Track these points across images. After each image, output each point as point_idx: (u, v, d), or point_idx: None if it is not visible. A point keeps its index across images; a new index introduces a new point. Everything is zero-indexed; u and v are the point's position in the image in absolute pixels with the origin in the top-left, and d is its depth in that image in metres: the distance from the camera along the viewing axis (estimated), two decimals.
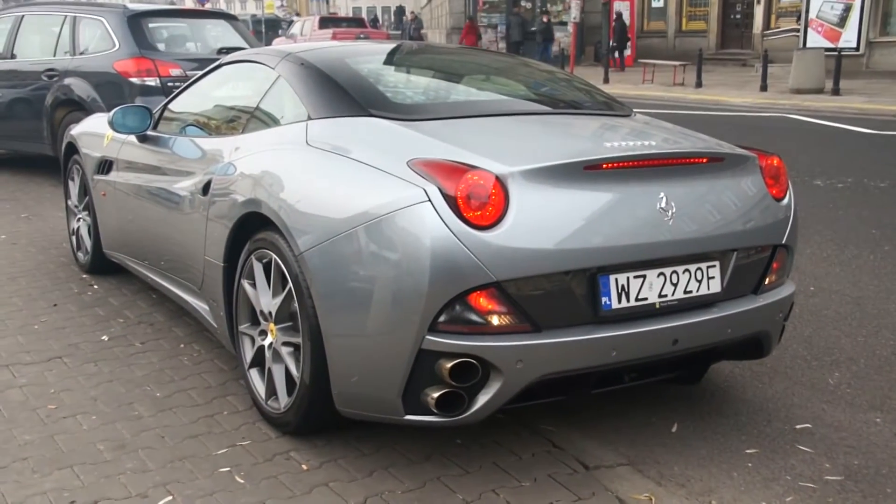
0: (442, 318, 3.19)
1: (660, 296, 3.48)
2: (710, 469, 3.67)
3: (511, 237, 3.17)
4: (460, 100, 4.69)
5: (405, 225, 3.21)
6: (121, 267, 5.98)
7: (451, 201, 3.17)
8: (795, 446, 3.85)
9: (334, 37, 27.60)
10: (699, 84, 22.62)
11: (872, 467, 3.67)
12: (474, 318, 3.22)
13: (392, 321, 3.27)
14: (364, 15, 56.21)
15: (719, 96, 20.33)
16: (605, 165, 3.41)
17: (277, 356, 3.79)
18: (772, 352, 4.02)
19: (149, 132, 5.34)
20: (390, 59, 5.15)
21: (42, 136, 10.09)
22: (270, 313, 3.81)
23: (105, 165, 5.82)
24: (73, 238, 6.62)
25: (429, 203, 3.18)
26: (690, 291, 3.54)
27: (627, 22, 31.36)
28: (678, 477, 3.61)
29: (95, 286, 6.07)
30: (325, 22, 29.96)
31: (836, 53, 19.87)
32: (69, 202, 6.71)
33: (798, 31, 23.50)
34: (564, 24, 34.93)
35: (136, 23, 9.62)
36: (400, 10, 42.68)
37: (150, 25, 9.79)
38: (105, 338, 5.03)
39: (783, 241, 3.88)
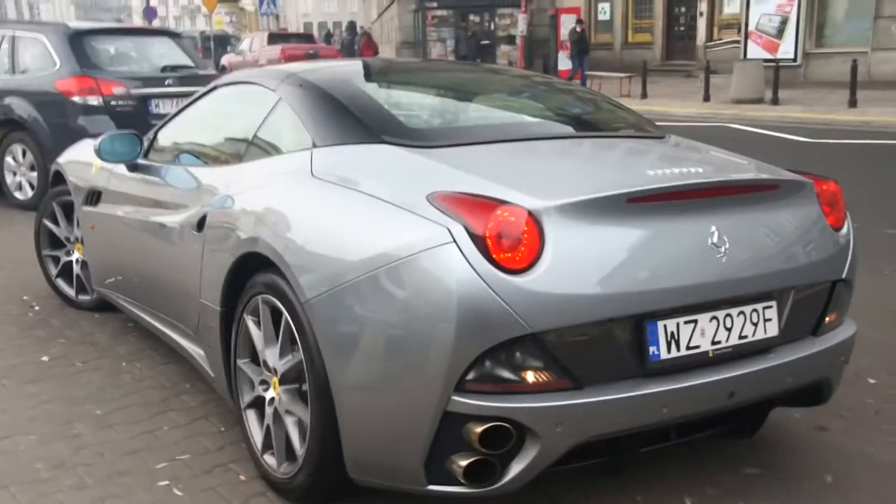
0: (470, 376, 2.79)
1: (713, 343, 3.09)
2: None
3: (548, 282, 2.78)
4: (481, 123, 4.27)
5: (427, 269, 2.81)
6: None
7: (480, 242, 2.77)
8: None
9: (283, 53, 27.56)
10: (644, 95, 22.93)
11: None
12: (507, 375, 2.83)
13: (413, 380, 2.88)
14: (315, 30, 56.10)
15: (664, 107, 20.62)
16: (651, 197, 3.02)
17: (279, 419, 3.41)
18: (830, 398, 3.64)
19: (139, 160, 4.94)
20: (401, 79, 4.87)
21: None
22: (275, 369, 3.42)
23: (93, 196, 5.38)
24: (59, 279, 6.13)
25: (454, 244, 2.78)
26: (746, 336, 3.16)
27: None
28: None
29: (37, 307, 6.04)
30: (274, 38, 29.84)
31: (774, 64, 20.25)
32: (56, 235, 6.14)
33: (739, 42, 23.85)
34: (513, 37, 35.20)
35: (77, 41, 9.61)
36: (352, 26, 42.71)
37: (92, 44, 9.80)
38: (45, 358, 5.01)
39: (843, 276, 3.47)
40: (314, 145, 3.65)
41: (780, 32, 20.64)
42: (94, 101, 9.33)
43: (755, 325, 3.17)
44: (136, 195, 4.87)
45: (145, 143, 4.97)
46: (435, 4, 39.19)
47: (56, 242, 6.13)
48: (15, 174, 9.83)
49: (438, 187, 3.01)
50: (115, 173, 5.12)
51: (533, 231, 2.79)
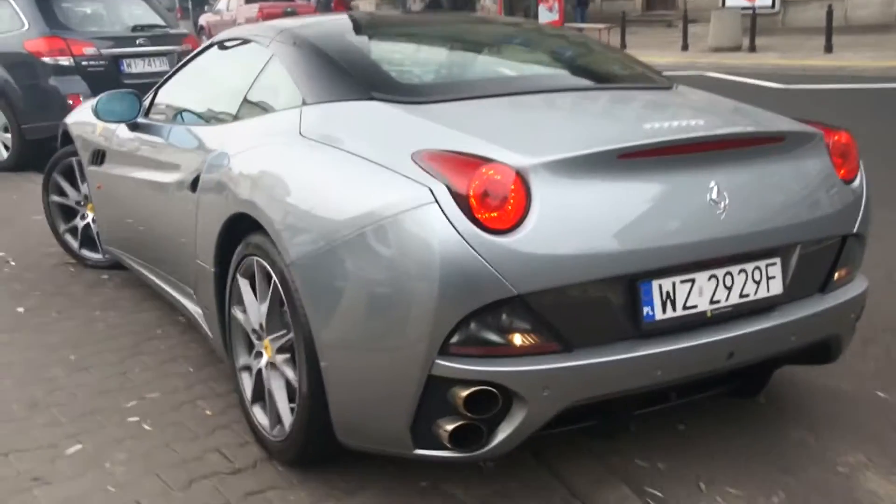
0: (455, 340, 2.71)
1: (711, 302, 2.98)
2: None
3: (535, 241, 2.69)
4: (475, 77, 4.16)
5: (409, 231, 2.73)
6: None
7: (463, 201, 2.67)
8: None
9: (260, 12, 27.38)
10: (623, 46, 22.93)
11: None
12: (493, 338, 2.75)
13: (396, 344, 2.81)
14: None
15: (641, 57, 20.46)
16: (644, 152, 2.90)
17: (276, 371, 3.34)
18: (840, 356, 3.53)
19: (139, 119, 4.86)
20: (395, 33, 4.72)
21: None
22: (262, 325, 3.38)
23: (99, 156, 5.36)
24: (71, 237, 6.08)
25: (435, 204, 2.69)
26: (747, 295, 3.05)
27: None
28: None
29: (13, 262, 6.19)
30: None
31: (752, 12, 20.34)
32: (61, 199, 6.08)
33: None
34: None
35: (45, 1, 9.57)
36: None
37: (61, 4, 9.76)
38: (21, 309, 5.17)
39: (854, 230, 3.34)
40: (304, 103, 3.57)
41: None
42: (64, 61, 9.36)
43: (757, 283, 3.06)
44: (136, 155, 4.86)
45: (145, 102, 4.93)
46: None
47: (69, 212, 6.10)
48: None
49: (424, 145, 2.92)
50: (117, 133, 5.10)
51: (519, 189, 2.69)
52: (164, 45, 10.10)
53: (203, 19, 31.63)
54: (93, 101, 4.92)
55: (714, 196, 2.94)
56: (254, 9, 27.78)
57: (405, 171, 2.83)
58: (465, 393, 2.69)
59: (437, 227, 2.67)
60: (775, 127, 3.41)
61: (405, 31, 4.80)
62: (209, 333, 4.01)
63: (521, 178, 2.71)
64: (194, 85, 4.88)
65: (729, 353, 3.01)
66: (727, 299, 3.02)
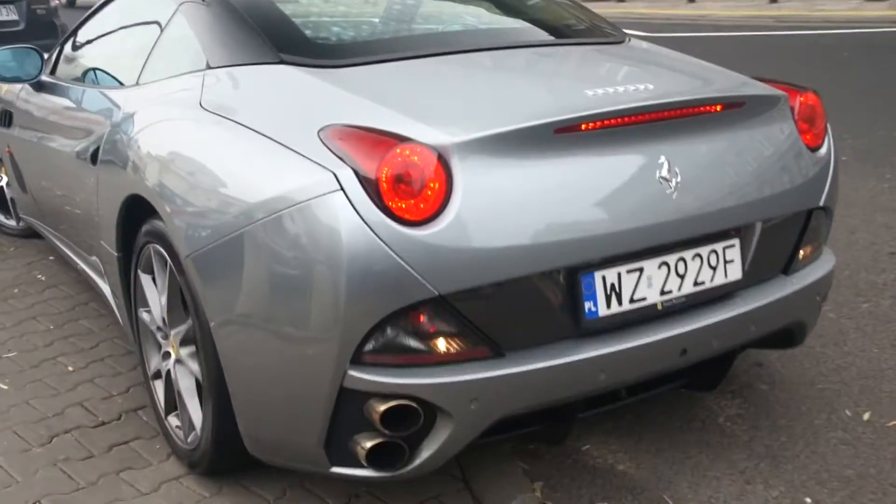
0: (369, 347, 2.32)
1: (662, 293, 2.60)
2: None
3: (457, 235, 2.28)
4: (403, 34, 3.58)
5: (311, 223, 2.31)
6: None
7: (373, 188, 2.26)
8: None
9: None
10: None
11: None
12: (413, 344, 2.35)
13: (304, 353, 2.40)
14: None
15: None
16: (583, 126, 2.47)
17: (183, 368, 2.98)
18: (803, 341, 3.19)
19: (43, 78, 4.44)
20: None
21: None
22: (164, 320, 3.04)
23: (5, 116, 5.00)
24: None
25: (341, 192, 2.27)
26: (702, 283, 2.66)
27: None
28: None
29: None
30: None
31: None
32: None
33: None
34: None
35: None
36: None
37: None
38: None
39: (821, 203, 2.96)
40: (208, 66, 3.10)
41: None
42: None
43: (714, 268, 2.68)
44: (40, 117, 4.49)
45: (52, 58, 4.59)
46: None
47: None
48: None
49: (333, 119, 2.48)
50: (21, 93, 4.74)
51: (438, 173, 2.28)
52: None
53: None
54: None
55: (664, 173, 2.54)
56: None
57: (309, 153, 2.39)
58: (382, 408, 2.31)
59: (342, 218, 2.25)
60: (734, 90, 2.97)
61: None
62: (120, 320, 3.70)
63: (440, 158, 2.29)
64: (99, 41, 4.38)
65: (682, 350, 2.64)
66: (680, 289, 2.63)
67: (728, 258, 2.71)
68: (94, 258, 3.86)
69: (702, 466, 3.04)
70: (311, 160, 2.37)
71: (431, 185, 2.27)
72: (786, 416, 3.34)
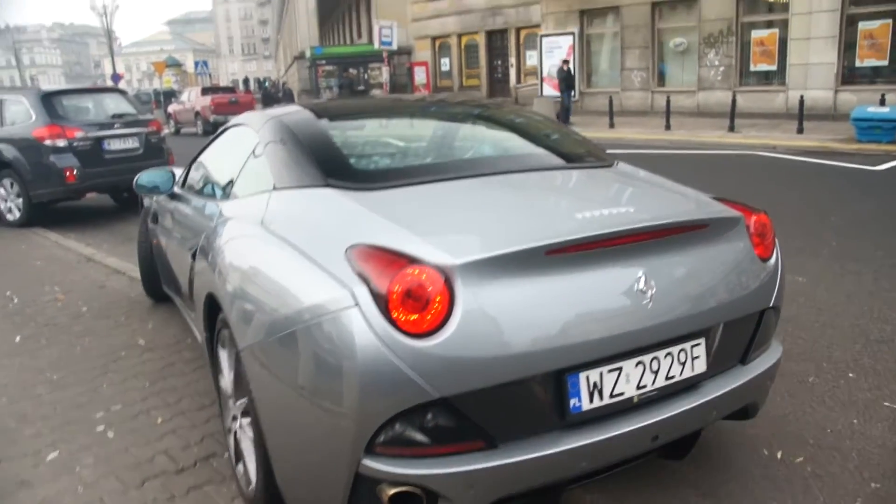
0: (381, 440, 2.04)
1: (638, 387, 2.25)
2: None
3: (457, 345, 1.99)
4: (428, 161, 3.17)
5: (332, 334, 2.04)
6: (29, 283, 5.57)
7: (383, 304, 1.99)
8: None
9: (212, 101, 26.42)
10: None
11: None
12: (418, 437, 2.06)
13: (326, 442, 2.12)
14: (240, 84, 54.69)
15: None
16: (571, 248, 2.16)
17: (244, 433, 2.65)
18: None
19: (176, 190, 4.25)
20: (375, 116, 3.76)
21: None
22: (232, 391, 2.75)
23: (154, 216, 4.80)
24: None
25: (356, 308, 2.01)
26: (672, 377, 2.31)
27: (422, 80, 31.54)
28: None
29: (16, 300, 5.65)
30: (206, 91, 28.45)
31: (560, 99, 20.69)
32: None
33: (537, 84, 24.18)
34: (381, 84, 35.03)
35: (48, 100, 9.16)
36: (265, 80, 42.60)
37: (60, 101, 9.28)
38: (18, 338, 4.71)
39: (771, 304, 2.63)
40: (274, 188, 2.81)
41: None
42: (61, 143, 8.89)
43: (683, 364, 2.33)
44: (171, 218, 4.24)
45: (182, 176, 4.34)
46: (324, 62, 38.75)
47: None
48: (6, 201, 9.27)
49: (360, 237, 2.19)
50: (163, 200, 4.52)
51: (443, 291, 1.99)
52: (135, 127, 9.61)
53: (171, 108, 30.43)
54: (138, 176, 4.34)
55: (641, 285, 2.22)
56: (207, 99, 26.80)
57: (335, 270, 2.11)
58: (391, 492, 2.04)
59: (356, 331, 1.98)
60: (701, 214, 2.60)
61: (383, 115, 3.81)
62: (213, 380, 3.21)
63: (445, 278, 2.01)
64: (210, 163, 4.10)
65: (654, 436, 2.28)
66: (653, 383, 2.28)
67: (695, 355, 2.36)
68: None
69: (657, 501, 2.71)
70: (336, 277, 2.09)
71: (436, 301, 1.99)
72: (721, 457, 3.00)
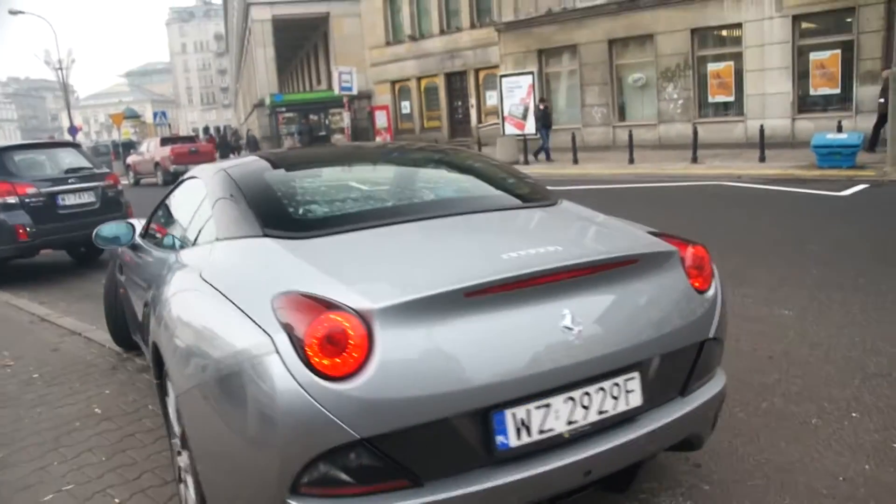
0: (304, 480, 2.04)
1: (568, 423, 2.22)
2: None
3: (376, 387, 2.00)
4: (365, 207, 3.10)
5: (254, 380, 2.06)
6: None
7: (301, 350, 2.02)
8: None
9: (172, 151, 25.98)
10: None
11: None
12: (342, 477, 2.05)
13: (251, 480, 2.12)
14: (201, 133, 54.37)
15: None
16: (491, 289, 2.16)
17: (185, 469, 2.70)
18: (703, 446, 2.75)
19: (136, 241, 4.27)
20: (328, 164, 3.78)
21: None
22: (177, 431, 2.73)
23: (120, 268, 4.79)
24: None
25: (276, 354, 2.03)
26: (606, 411, 2.27)
27: (383, 124, 31.46)
28: None
29: (11, 363, 5.29)
30: (165, 140, 27.90)
31: (523, 138, 20.69)
32: None
33: (499, 123, 24.25)
34: (342, 129, 34.97)
35: None
36: (226, 129, 42.40)
37: (11, 157, 8.94)
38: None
39: (710, 335, 2.58)
40: (216, 239, 2.85)
41: (524, 116, 20.96)
42: (11, 199, 8.53)
43: (616, 398, 2.29)
44: (133, 269, 4.22)
45: (141, 227, 4.37)
46: (284, 109, 38.63)
47: None
48: None
49: (288, 286, 2.20)
50: (125, 252, 4.53)
51: (361, 335, 2.02)
52: (91, 182, 9.26)
53: (130, 159, 29.88)
54: (98, 229, 4.32)
55: (568, 323, 2.21)
56: (167, 149, 26.33)
57: (259, 317, 2.14)
58: None
59: (276, 376, 2.01)
60: (631, 249, 2.57)
61: (329, 163, 3.80)
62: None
63: (364, 322, 2.03)
64: (165, 215, 4.09)
65: (586, 471, 2.24)
66: (585, 418, 2.24)
67: (629, 388, 2.32)
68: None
69: None
70: (259, 324, 2.12)
71: (355, 345, 2.01)
72: None
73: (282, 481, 2.04)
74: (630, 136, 17.71)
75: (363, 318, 2.04)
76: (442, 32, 30.83)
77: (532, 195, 3.25)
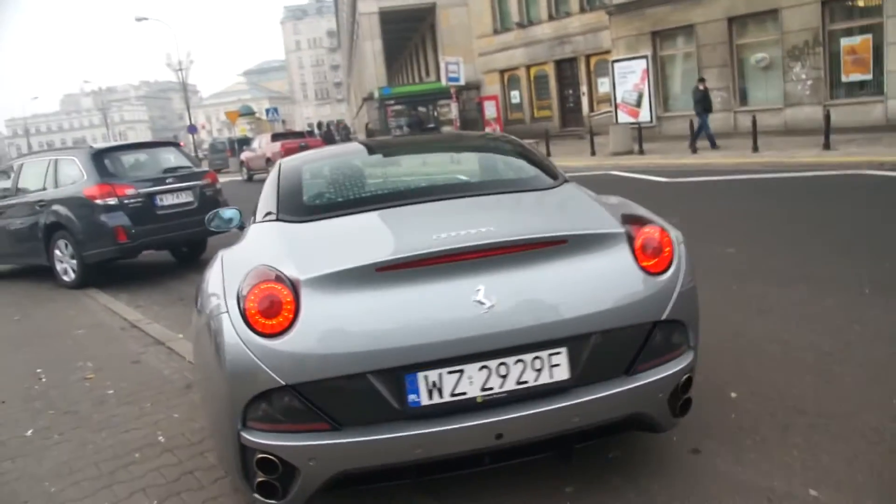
0: (251, 416, 2.51)
1: (483, 389, 2.46)
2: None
3: (298, 343, 2.43)
4: (361, 195, 3.43)
5: (215, 333, 2.57)
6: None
7: (243, 312, 2.50)
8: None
9: (282, 146, 26.35)
10: (548, 154, 22.17)
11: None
12: (276, 416, 2.49)
13: (218, 415, 2.64)
14: (315, 128, 55.59)
15: (563, 161, 19.65)
16: (403, 264, 2.48)
17: None
18: (671, 427, 2.83)
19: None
20: (355, 157, 4.10)
21: (40, 252, 9.09)
22: None
23: None
24: None
25: (227, 314, 2.54)
26: (525, 382, 2.48)
27: (492, 114, 30.82)
28: None
29: (44, 379, 5.10)
30: (276, 136, 28.55)
31: (637, 126, 19.63)
32: None
33: (612, 111, 23.25)
34: (451, 120, 34.67)
35: (99, 157, 8.78)
36: (336, 123, 43.25)
37: (111, 158, 8.91)
38: (29, 433, 4.10)
39: (663, 317, 2.66)
40: (254, 221, 3.40)
41: (638, 103, 19.99)
42: (111, 201, 8.49)
43: (538, 370, 2.49)
44: None
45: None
46: (392, 101, 38.68)
47: None
48: (62, 262, 8.93)
49: (265, 260, 2.67)
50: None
51: (289, 301, 2.47)
52: (189, 181, 9.17)
53: (243, 155, 30.59)
54: (217, 211, 4.47)
55: (480, 297, 2.46)
56: (277, 145, 26.77)
57: (227, 285, 2.65)
58: (255, 458, 2.50)
59: (226, 331, 2.51)
60: (562, 230, 2.70)
61: (372, 153, 4.16)
62: None
63: (294, 290, 2.50)
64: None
65: (497, 434, 2.47)
66: (502, 386, 2.48)
67: (554, 363, 2.51)
68: None
69: None
70: (224, 291, 2.63)
71: (284, 309, 2.46)
72: None
73: (233, 417, 2.51)
74: (753, 121, 16.36)
75: (294, 286, 2.50)
76: (551, 18, 29.94)
77: (535, 179, 3.47)
